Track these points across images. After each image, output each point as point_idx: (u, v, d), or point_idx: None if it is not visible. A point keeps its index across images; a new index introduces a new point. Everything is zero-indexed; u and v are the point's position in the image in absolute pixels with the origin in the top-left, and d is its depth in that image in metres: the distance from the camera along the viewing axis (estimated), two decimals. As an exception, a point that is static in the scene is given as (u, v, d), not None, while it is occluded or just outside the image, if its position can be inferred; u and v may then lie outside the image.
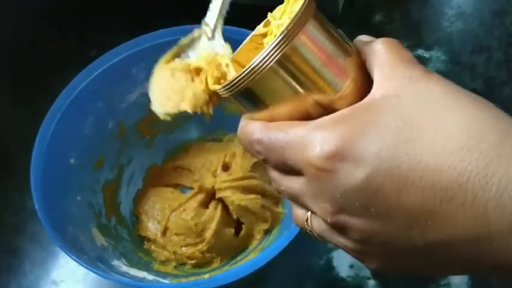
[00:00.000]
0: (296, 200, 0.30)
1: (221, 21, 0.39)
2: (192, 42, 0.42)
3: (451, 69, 0.69)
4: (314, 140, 0.26)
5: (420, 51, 0.70)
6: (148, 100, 0.63)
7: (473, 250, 0.24)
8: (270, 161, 0.30)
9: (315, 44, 0.28)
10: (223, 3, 0.38)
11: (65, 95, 0.55)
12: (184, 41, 0.38)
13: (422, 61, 0.69)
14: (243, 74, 0.28)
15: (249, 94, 0.29)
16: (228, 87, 0.29)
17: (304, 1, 0.28)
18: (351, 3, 0.73)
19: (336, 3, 0.67)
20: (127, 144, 0.61)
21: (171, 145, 0.65)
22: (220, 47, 0.37)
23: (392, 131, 0.25)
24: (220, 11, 0.39)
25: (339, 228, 0.28)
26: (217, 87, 0.31)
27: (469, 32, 0.73)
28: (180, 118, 0.63)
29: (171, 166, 0.64)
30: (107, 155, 0.59)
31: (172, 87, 0.41)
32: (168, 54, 0.39)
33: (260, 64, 0.27)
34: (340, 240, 0.28)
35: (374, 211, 0.26)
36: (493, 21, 0.74)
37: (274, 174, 0.31)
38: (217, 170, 0.61)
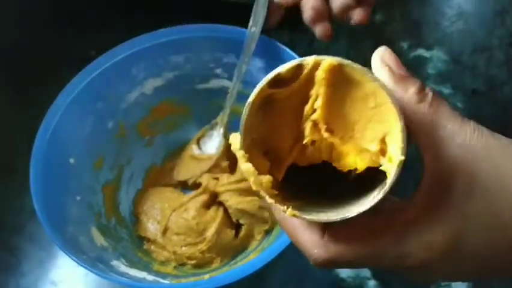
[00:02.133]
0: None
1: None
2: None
3: (452, 69, 0.68)
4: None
5: (420, 51, 0.70)
6: (148, 100, 0.63)
7: None
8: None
9: None
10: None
11: (65, 95, 0.55)
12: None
13: (423, 61, 0.69)
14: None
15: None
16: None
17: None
18: (352, 3, 0.73)
19: (337, 3, 0.67)
20: (126, 144, 0.61)
21: (171, 145, 0.65)
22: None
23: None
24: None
25: None
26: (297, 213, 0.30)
27: (469, 32, 0.72)
28: (180, 118, 0.63)
29: (171, 166, 0.64)
30: (106, 155, 0.59)
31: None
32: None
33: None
34: None
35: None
36: (493, 21, 0.73)
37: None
38: (216, 170, 0.61)
